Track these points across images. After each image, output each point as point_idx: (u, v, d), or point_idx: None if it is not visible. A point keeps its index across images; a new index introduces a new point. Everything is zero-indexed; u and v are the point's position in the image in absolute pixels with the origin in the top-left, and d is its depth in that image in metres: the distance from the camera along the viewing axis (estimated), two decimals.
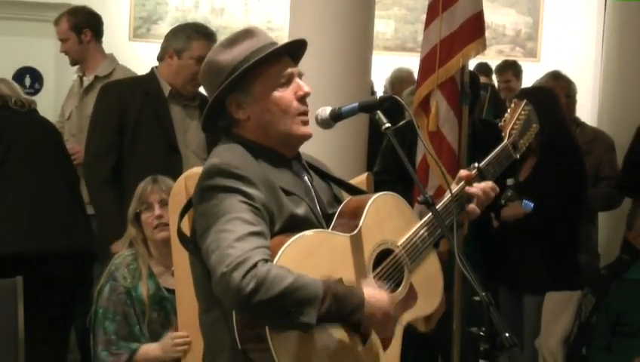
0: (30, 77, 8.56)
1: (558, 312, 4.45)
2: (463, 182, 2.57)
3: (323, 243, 2.26)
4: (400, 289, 2.38)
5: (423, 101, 4.24)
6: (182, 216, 2.41)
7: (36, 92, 8.47)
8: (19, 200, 4.20)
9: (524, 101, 2.87)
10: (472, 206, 2.55)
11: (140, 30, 9.00)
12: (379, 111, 2.39)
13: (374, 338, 2.29)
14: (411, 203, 3.48)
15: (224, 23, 9.07)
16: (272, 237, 2.22)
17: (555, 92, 4.84)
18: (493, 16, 9.04)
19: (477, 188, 2.57)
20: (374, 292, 2.23)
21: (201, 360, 2.44)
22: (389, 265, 2.38)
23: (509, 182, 4.42)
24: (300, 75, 2.42)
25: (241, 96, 2.37)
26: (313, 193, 2.44)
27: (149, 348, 3.38)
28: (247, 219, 2.16)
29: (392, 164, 4.47)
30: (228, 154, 2.30)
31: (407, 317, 2.41)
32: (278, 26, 8.67)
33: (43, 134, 4.38)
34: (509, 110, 2.86)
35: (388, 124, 2.36)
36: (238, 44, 2.39)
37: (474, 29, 4.17)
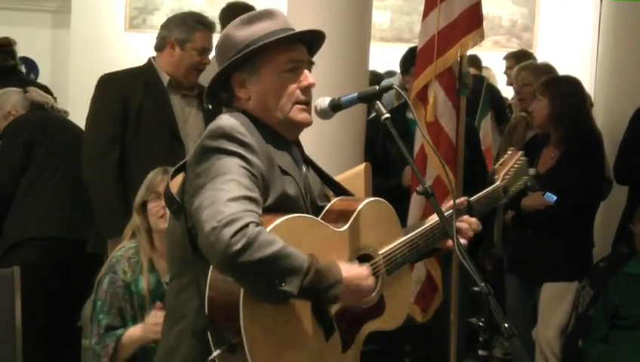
0: (26, 67, 8.52)
1: (555, 303, 4.45)
2: (452, 211, 2.52)
3: (313, 229, 2.28)
4: (372, 296, 2.37)
5: (420, 92, 4.25)
6: (173, 176, 2.40)
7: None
8: (60, 191, 4.56)
9: (521, 152, 2.98)
10: (460, 240, 2.52)
11: (135, 21, 8.96)
12: (378, 102, 2.38)
13: (336, 337, 2.31)
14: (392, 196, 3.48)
15: None
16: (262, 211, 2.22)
17: (580, 82, 4.76)
18: (490, 7, 9.05)
19: (465, 222, 2.60)
20: (351, 267, 2.25)
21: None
22: None
23: (531, 171, 4.38)
24: (310, 65, 2.42)
25: (246, 75, 2.38)
26: (307, 181, 2.45)
27: (133, 330, 3.35)
28: (243, 182, 2.16)
29: (369, 154, 4.51)
30: (234, 120, 2.30)
31: (371, 327, 2.42)
32: None
33: (77, 136, 4.53)
34: (505, 156, 2.96)
35: (387, 115, 2.34)
36: (256, 23, 2.39)
37: (472, 20, 4.18)
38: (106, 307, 3.38)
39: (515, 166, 2.94)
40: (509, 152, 2.98)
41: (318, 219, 2.35)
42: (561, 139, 4.51)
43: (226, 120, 2.28)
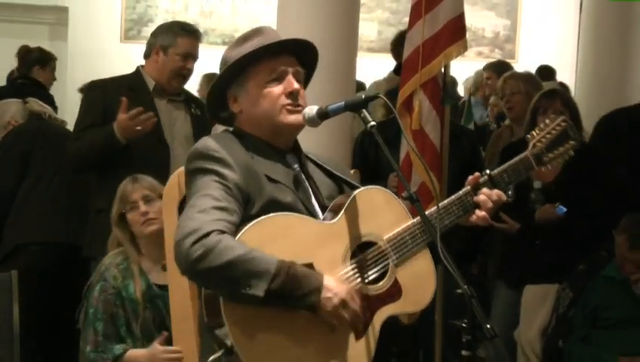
0: None
1: (536, 305, 4.48)
2: (468, 187, 2.53)
3: (293, 226, 2.31)
4: (383, 281, 2.40)
5: (405, 100, 4.30)
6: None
7: None
8: (57, 198, 4.62)
9: (562, 117, 2.70)
10: (480, 213, 2.50)
11: (130, 32, 9.04)
12: (364, 110, 2.43)
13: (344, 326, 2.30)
14: None
15: (213, 25, 9.14)
16: (249, 220, 2.28)
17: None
18: (473, 19, 9.16)
19: (482, 194, 2.51)
20: (335, 280, 2.25)
21: None
22: (369, 256, 2.40)
23: (536, 184, 4.32)
24: (297, 73, 2.51)
25: (237, 90, 2.50)
26: (307, 185, 2.50)
27: (137, 354, 3.39)
28: (214, 195, 2.26)
29: (360, 163, 4.54)
30: (212, 139, 2.40)
31: (388, 311, 2.40)
32: None
33: None
34: (542, 124, 2.68)
35: (374, 123, 2.39)
36: (248, 42, 2.48)
37: (455, 31, 4.24)
38: (100, 314, 3.43)
39: (553, 131, 2.64)
40: (548, 120, 2.68)
41: (303, 215, 2.36)
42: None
43: (202, 141, 2.40)
